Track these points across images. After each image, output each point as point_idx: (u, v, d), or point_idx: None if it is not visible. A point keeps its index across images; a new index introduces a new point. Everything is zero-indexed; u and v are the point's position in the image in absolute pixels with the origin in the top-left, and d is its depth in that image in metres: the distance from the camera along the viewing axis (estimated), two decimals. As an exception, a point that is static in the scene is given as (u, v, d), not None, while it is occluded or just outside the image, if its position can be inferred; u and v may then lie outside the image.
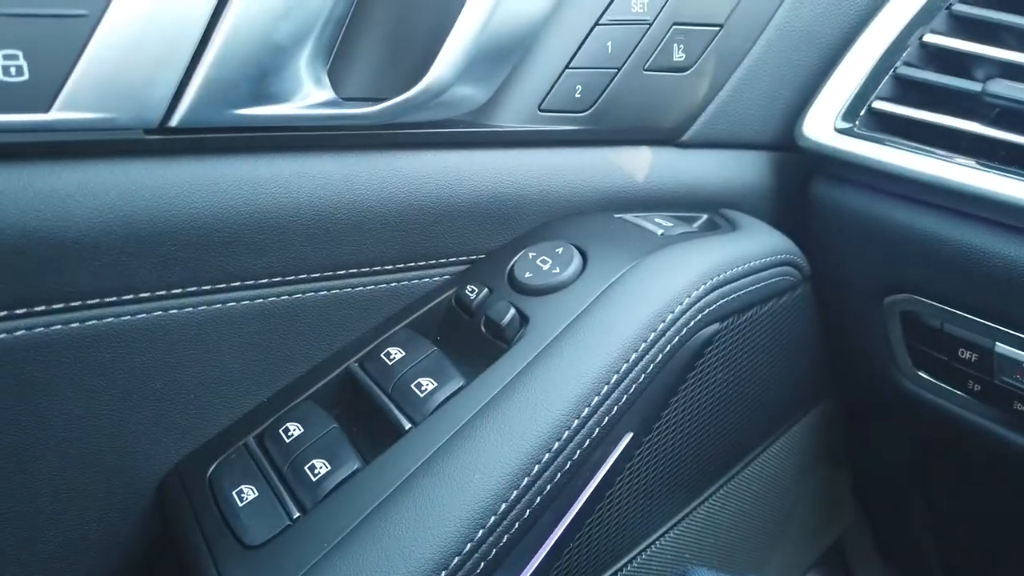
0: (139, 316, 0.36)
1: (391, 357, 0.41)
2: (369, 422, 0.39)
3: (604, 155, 0.47)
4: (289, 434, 0.39)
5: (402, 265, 0.43)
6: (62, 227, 0.32)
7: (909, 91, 0.47)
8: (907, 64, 0.47)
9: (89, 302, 0.34)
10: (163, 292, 0.36)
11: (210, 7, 0.31)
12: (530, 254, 0.43)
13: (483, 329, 0.40)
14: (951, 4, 0.47)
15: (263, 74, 0.34)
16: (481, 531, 0.33)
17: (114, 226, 0.33)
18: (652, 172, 0.48)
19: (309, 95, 0.36)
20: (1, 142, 0.30)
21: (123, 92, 0.31)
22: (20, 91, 0.29)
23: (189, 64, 0.32)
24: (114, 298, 0.35)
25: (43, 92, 0.29)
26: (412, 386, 0.39)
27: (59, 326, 0.34)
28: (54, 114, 0.30)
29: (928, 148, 0.44)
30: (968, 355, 0.46)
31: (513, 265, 0.43)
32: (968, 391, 0.47)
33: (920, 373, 0.49)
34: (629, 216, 0.47)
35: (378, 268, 0.42)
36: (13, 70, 0.28)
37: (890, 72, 0.47)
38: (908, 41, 0.48)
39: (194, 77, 0.32)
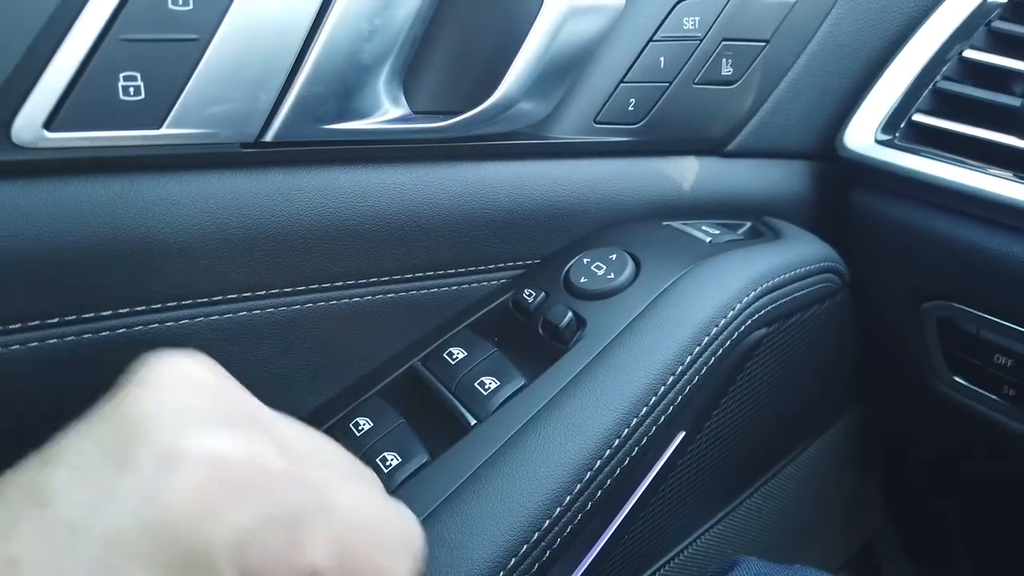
0: (226, 316, 0.38)
1: (454, 357, 0.43)
2: (435, 418, 0.41)
3: (654, 165, 0.49)
4: (359, 428, 0.41)
5: (463, 269, 0.45)
6: (166, 233, 0.35)
7: (948, 105, 0.48)
8: (947, 78, 0.49)
9: (183, 303, 0.37)
10: (248, 294, 0.38)
11: (304, 31, 0.34)
12: (585, 260, 0.45)
13: (541, 331, 0.42)
14: (990, 20, 0.49)
15: (348, 92, 0.36)
16: (547, 521, 0.35)
17: (211, 232, 0.36)
18: (698, 181, 0.50)
19: (387, 111, 0.38)
20: (119, 156, 0.33)
21: (225, 110, 0.33)
22: (137, 109, 0.31)
23: (284, 84, 0.34)
24: (205, 299, 0.37)
25: (157, 110, 0.32)
26: (475, 384, 0.41)
27: (156, 325, 0.36)
28: (165, 130, 0.32)
29: (966, 160, 0.46)
30: (1004, 360, 0.48)
31: (568, 270, 0.45)
32: (1003, 396, 0.48)
33: (956, 378, 0.51)
34: (677, 223, 0.49)
35: (441, 272, 0.44)
36: (132, 90, 0.31)
37: (930, 86, 0.49)
38: (948, 56, 0.49)
39: (288, 96, 0.34)
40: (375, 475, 0.28)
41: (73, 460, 0.22)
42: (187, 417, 0.23)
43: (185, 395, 0.24)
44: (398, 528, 0.26)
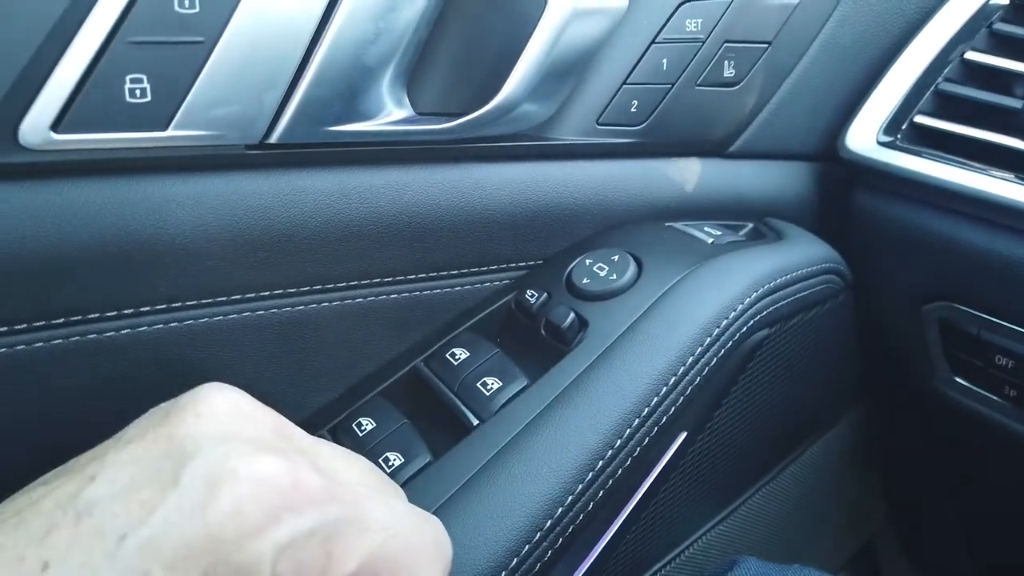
0: (231, 316, 0.38)
1: (456, 357, 0.43)
2: (437, 419, 0.41)
3: (656, 166, 0.49)
4: (362, 428, 0.42)
5: (466, 270, 0.45)
6: (171, 234, 0.35)
7: (950, 106, 0.49)
8: (948, 80, 0.49)
9: (188, 303, 0.37)
10: (253, 295, 0.39)
11: (309, 34, 0.34)
12: (587, 261, 0.45)
13: (543, 332, 0.43)
14: (992, 22, 0.49)
15: (353, 94, 0.36)
16: (549, 521, 0.35)
17: (216, 233, 0.36)
18: (701, 182, 0.50)
19: (391, 112, 0.38)
20: (125, 157, 0.33)
21: (230, 111, 0.33)
22: (143, 111, 0.32)
23: (289, 86, 0.34)
24: (210, 300, 0.37)
25: (163, 112, 0.32)
26: (478, 385, 0.41)
27: (161, 325, 0.37)
28: (171, 132, 0.32)
29: (968, 162, 0.46)
30: (1005, 362, 0.48)
31: (571, 271, 0.45)
32: (1004, 396, 0.49)
33: (957, 379, 0.51)
34: (679, 224, 0.49)
35: (444, 273, 0.44)
36: (138, 92, 0.31)
37: (932, 88, 0.49)
38: (950, 58, 0.49)
39: (292, 98, 0.35)
40: (401, 490, 0.30)
41: (116, 476, 0.23)
42: (232, 441, 0.24)
43: (229, 421, 0.25)
44: (429, 539, 0.27)
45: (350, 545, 0.24)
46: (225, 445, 0.24)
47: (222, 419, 0.25)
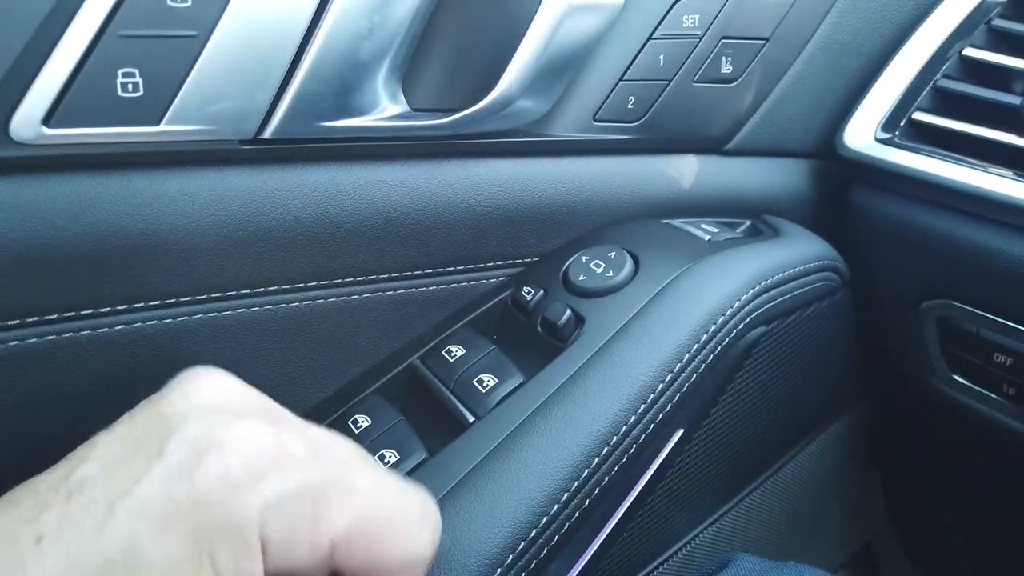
0: (225, 313, 0.38)
1: (452, 354, 0.43)
2: (433, 416, 0.41)
3: (653, 163, 0.49)
4: (358, 425, 0.42)
5: (462, 267, 0.45)
6: (164, 230, 0.35)
7: (948, 103, 0.48)
8: (947, 77, 0.49)
9: (182, 299, 0.37)
10: (247, 291, 0.38)
11: (302, 28, 0.34)
12: (583, 258, 0.45)
13: (539, 329, 0.42)
14: (990, 19, 0.49)
15: (346, 89, 0.36)
16: (545, 518, 0.35)
17: (210, 229, 0.36)
18: (698, 179, 0.50)
19: (386, 108, 0.38)
20: (118, 152, 0.33)
21: (224, 106, 0.33)
22: (135, 105, 0.32)
23: (282, 81, 0.34)
24: (204, 296, 0.37)
25: (155, 106, 0.32)
26: (474, 382, 0.41)
27: (154, 321, 0.37)
28: (163, 127, 0.32)
29: (966, 159, 0.46)
30: (1003, 359, 0.47)
31: (567, 268, 0.45)
32: (1003, 394, 0.48)
33: (955, 377, 0.51)
34: (676, 222, 0.49)
35: (440, 269, 0.44)
36: (130, 86, 0.31)
37: (930, 84, 0.49)
38: (948, 54, 0.49)
39: (286, 93, 0.35)
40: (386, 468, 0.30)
41: (104, 455, 0.24)
42: (218, 413, 0.25)
43: (216, 397, 0.26)
44: (416, 504, 0.27)
45: (338, 505, 0.24)
46: (210, 416, 0.24)
47: (208, 396, 0.25)
